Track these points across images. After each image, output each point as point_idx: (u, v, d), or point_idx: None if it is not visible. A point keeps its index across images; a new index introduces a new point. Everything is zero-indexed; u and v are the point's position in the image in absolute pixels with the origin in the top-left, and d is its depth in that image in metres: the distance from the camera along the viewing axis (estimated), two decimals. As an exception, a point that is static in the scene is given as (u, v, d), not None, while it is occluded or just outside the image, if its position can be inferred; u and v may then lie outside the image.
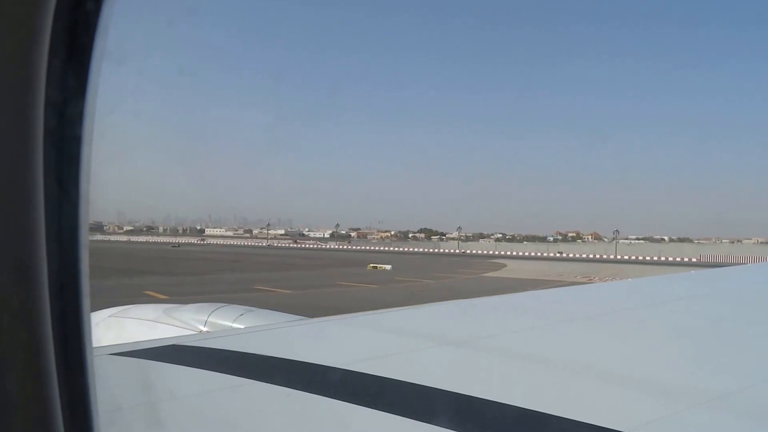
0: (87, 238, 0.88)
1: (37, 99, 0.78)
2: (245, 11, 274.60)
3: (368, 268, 53.59)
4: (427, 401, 2.08)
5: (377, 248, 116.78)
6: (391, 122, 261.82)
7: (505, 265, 60.42)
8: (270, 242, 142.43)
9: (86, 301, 0.89)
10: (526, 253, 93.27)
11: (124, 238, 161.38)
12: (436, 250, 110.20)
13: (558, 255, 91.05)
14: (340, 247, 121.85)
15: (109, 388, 2.12)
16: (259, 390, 2.20)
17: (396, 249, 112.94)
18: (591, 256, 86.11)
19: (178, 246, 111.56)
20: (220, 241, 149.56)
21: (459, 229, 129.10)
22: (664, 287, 6.16)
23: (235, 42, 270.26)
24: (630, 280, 7.66)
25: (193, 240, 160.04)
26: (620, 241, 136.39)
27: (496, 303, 5.02)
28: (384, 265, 53.84)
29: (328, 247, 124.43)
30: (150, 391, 2.35)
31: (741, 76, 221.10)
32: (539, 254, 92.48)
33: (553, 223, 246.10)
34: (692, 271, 8.08)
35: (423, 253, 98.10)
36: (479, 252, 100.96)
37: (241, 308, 5.01)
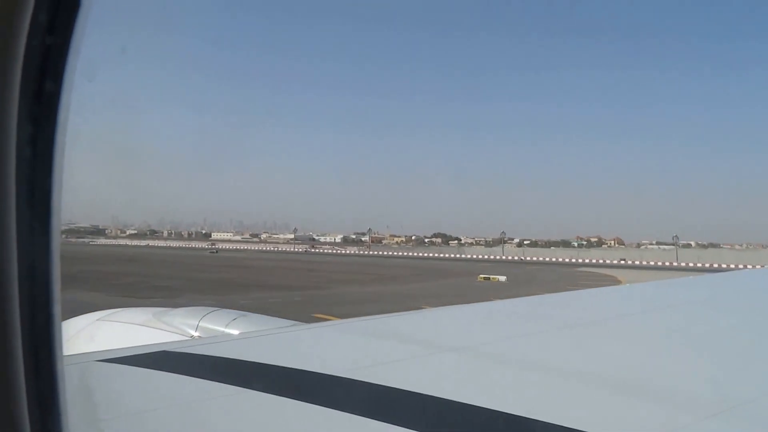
0: (59, 244, 0.88)
1: (10, 103, 0.77)
2: (248, 16, 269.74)
3: (479, 279, 50.68)
4: (424, 409, 2.07)
5: (414, 254, 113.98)
6: (394, 125, 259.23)
7: (614, 276, 57.62)
8: (300, 248, 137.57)
9: (57, 307, 0.88)
10: (589, 261, 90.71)
11: (142, 242, 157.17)
12: (479, 257, 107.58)
13: (623, 262, 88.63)
14: (376, 253, 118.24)
15: (97, 395, 2.10)
16: (253, 398, 2.16)
17: (438, 255, 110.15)
18: (661, 263, 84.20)
19: (217, 252, 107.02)
20: (235, 246, 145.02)
21: (503, 233, 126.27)
22: (662, 293, 6.14)
23: (230, 47, 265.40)
24: (627, 285, 7.57)
25: (203, 244, 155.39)
26: (648, 246, 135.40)
27: (491, 309, 4.96)
28: (498, 277, 50.93)
29: (362, 252, 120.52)
30: (139, 399, 2.26)
31: (746, 85, 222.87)
32: (599, 261, 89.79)
33: (554, 227, 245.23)
34: (690, 277, 7.86)
35: (490, 261, 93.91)
36: (536, 259, 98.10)
37: (233, 313, 4.93)
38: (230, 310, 5.05)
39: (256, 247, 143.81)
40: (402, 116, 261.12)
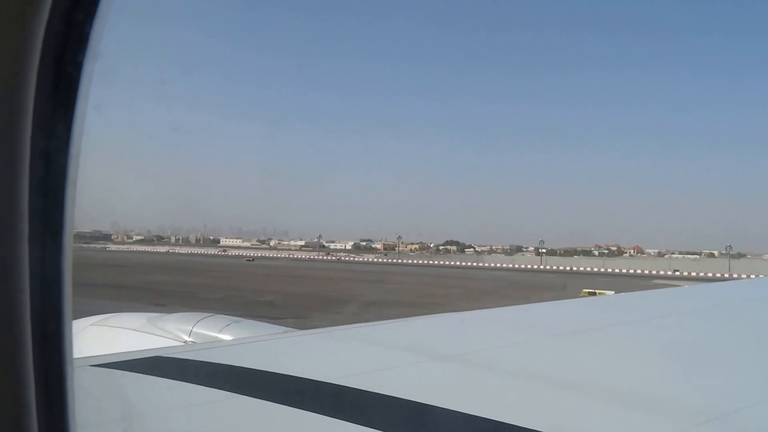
0: (71, 247, 0.88)
1: (24, 108, 0.77)
2: (246, 18, 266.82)
3: (583, 294, 48.98)
4: (415, 416, 2.10)
5: (448, 263, 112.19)
6: (397, 128, 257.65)
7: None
8: (334, 256, 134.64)
9: (68, 311, 0.88)
10: (645, 272, 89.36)
11: (162, 249, 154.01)
12: (512, 266, 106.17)
13: (678, 273, 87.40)
14: (408, 262, 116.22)
15: (90, 401, 2.14)
16: (245, 404, 2.18)
17: (475, 264, 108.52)
18: (720, 275, 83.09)
19: (253, 260, 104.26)
20: (250, 253, 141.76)
21: (541, 242, 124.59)
22: (651, 302, 6.11)
23: (232, 47, 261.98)
24: (616, 295, 7.53)
25: (214, 251, 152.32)
26: (672, 256, 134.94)
27: (483, 317, 4.96)
28: (604, 291, 49.17)
29: (393, 261, 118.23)
30: (132, 404, 2.27)
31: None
32: (659, 273, 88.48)
33: (561, 234, 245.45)
34: (686, 286, 7.92)
35: (546, 272, 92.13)
36: (585, 270, 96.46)
37: (227, 318, 4.94)
38: (224, 316, 5.04)
39: (270, 253, 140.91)
40: (405, 119, 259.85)
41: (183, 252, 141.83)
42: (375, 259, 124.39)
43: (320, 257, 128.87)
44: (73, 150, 0.86)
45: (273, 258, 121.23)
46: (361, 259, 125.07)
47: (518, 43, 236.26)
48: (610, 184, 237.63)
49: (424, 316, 5.21)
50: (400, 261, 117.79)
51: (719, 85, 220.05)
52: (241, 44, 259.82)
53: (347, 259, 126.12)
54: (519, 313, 5.23)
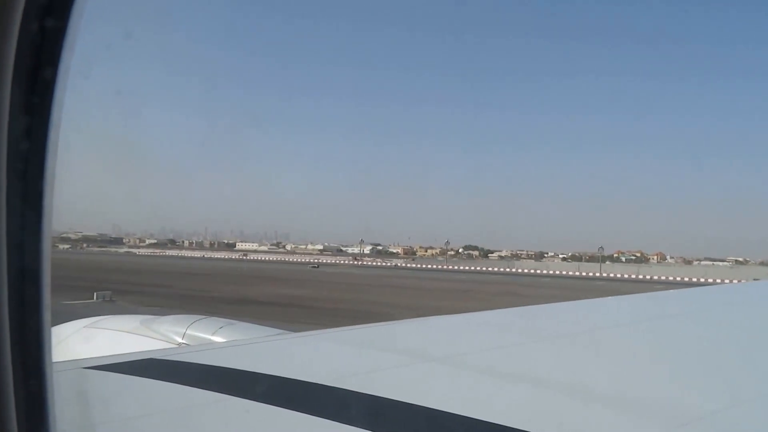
0: (49, 250, 0.87)
1: (2, 96, 0.76)
2: (255, 18, 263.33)
3: None
4: (407, 418, 2.12)
5: (489, 269, 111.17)
6: (401, 133, 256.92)
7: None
8: (357, 261, 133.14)
9: (47, 313, 0.88)
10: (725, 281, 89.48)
11: (196, 254, 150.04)
12: (564, 273, 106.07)
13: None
14: (466, 268, 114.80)
15: (83, 403, 2.13)
16: (238, 406, 2.19)
17: (525, 271, 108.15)
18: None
19: (318, 267, 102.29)
20: (272, 258, 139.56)
21: (601, 249, 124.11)
22: (643, 306, 6.16)
23: (236, 49, 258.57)
24: (605, 298, 7.87)
25: (232, 255, 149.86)
26: (702, 262, 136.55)
27: (473, 319, 4.94)
28: None
29: (438, 267, 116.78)
30: (126, 406, 2.28)
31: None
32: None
33: (570, 239, 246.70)
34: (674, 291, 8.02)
35: (616, 280, 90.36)
36: (643, 277, 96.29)
37: (220, 321, 4.90)
38: (218, 318, 5.04)
39: (290, 258, 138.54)
40: (410, 124, 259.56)
41: (218, 257, 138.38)
42: (425, 266, 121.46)
43: (370, 263, 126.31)
44: (51, 148, 0.83)
45: (332, 264, 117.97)
46: (412, 266, 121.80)
47: (546, 47, 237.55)
48: (619, 189, 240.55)
49: (415, 319, 5.31)
50: (459, 268, 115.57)
51: (722, 92, 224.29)
52: (247, 47, 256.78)
53: (402, 265, 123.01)
54: (509, 315, 5.36)
